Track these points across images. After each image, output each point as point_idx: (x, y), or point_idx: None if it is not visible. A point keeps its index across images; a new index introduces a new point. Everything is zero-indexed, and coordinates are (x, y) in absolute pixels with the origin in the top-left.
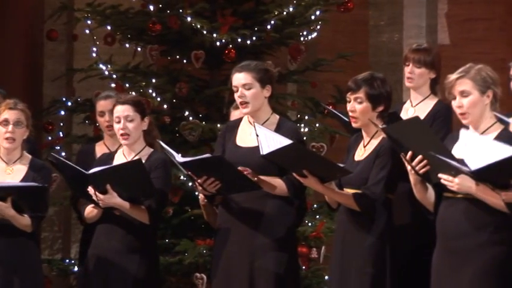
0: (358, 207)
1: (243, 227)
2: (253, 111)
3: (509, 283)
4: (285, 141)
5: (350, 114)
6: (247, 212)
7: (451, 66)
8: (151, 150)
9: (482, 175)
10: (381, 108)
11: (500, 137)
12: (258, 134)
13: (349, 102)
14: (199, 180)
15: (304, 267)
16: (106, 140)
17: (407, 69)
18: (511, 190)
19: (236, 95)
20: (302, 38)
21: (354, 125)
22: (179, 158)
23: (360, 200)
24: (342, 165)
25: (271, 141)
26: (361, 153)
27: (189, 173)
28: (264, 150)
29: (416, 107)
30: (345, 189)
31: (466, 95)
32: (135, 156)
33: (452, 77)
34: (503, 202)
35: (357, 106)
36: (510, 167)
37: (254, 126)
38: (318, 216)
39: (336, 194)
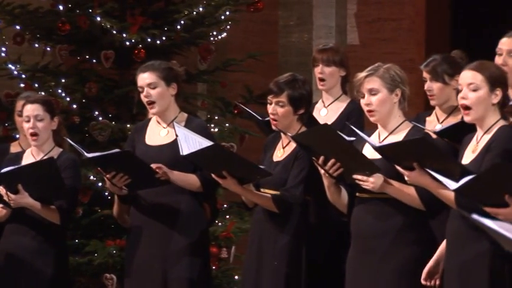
0: (276, 209)
1: (156, 227)
2: (161, 110)
3: (421, 283)
4: (204, 142)
5: (271, 116)
6: (160, 211)
7: (361, 66)
8: (61, 150)
9: (387, 152)
10: (301, 111)
11: (409, 136)
12: (177, 134)
13: (270, 104)
14: (108, 176)
15: (214, 268)
16: (21, 140)
17: (317, 70)
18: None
19: (142, 96)
20: (212, 38)
21: (274, 127)
22: (87, 154)
23: (279, 202)
24: (262, 166)
25: (190, 141)
26: (279, 154)
27: (98, 168)
28: (184, 150)
29: (329, 107)
30: (262, 189)
31: (375, 93)
32: (44, 156)
33: (361, 75)
34: (418, 200)
35: (278, 109)
36: (415, 149)
37: (174, 127)
38: (228, 216)
39: (254, 196)
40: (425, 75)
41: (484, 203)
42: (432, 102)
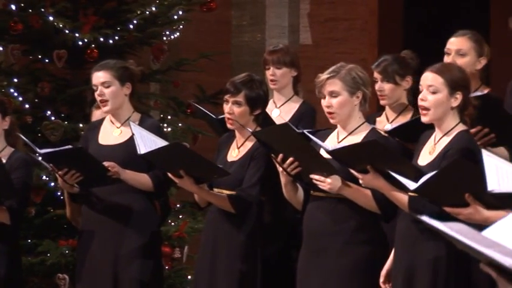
0: (233, 209)
1: (108, 227)
2: (113, 109)
3: (373, 282)
4: (160, 142)
5: (227, 116)
6: (112, 210)
7: (313, 66)
8: (13, 149)
9: (340, 155)
10: (257, 112)
11: (367, 138)
12: (133, 133)
13: (227, 104)
14: (59, 172)
15: (167, 267)
16: None
17: (268, 72)
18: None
19: (96, 94)
20: (165, 38)
21: (229, 126)
22: (40, 150)
23: (236, 202)
24: (221, 166)
25: (146, 140)
26: (234, 154)
27: (50, 165)
28: (141, 149)
29: (281, 107)
30: (215, 189)
31: (336, 95)
32: None
33: (323, 76)
34: (373, 200)
35: (235, 109)
36: (367, 152)
37: (130, 126)
38: (180, 216)
39: (210, 195)
40: (376, 75)
41: (443, 203)
42: (382, 102)
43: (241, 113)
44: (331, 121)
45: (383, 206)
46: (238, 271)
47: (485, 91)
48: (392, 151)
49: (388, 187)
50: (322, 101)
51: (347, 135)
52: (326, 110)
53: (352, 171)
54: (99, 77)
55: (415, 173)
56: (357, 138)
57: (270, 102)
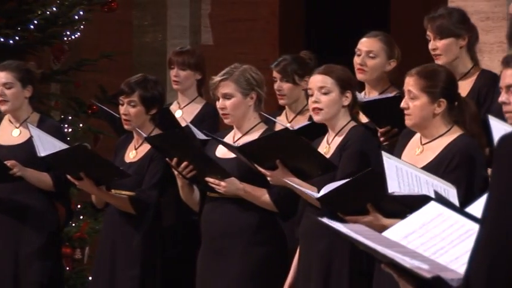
0: (133, 211)
1: (7, 227)
2: (12, 109)
3: (272, 283)
4: (58, 144)
5: (123, 117)
6: (11, 210)
7: (215, 67)
8: None
9: (249, 151)
10: (154, 111)
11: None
12: (32, 135)
13: (122, 105)
14: None
15: (68, 268)
16: None
17: (172, 73)
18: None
19: None
20: (66, 38)
21: (126, 127)
22: None
23: (136, 203)
24: (121, 168)
25: (45, 142)
26: (132, 155)
27: None
28: (41, 151)
29: (184, 109)
30: (113, 191)
31: (229, 97)
32: None
33: (216, 78)
34: (270, 200)
35: (130, 109)
36: (277, 143)
37: (27, 128)
38: (81, 217)
39: (110, 197)
40: (275, 74)
41: (345, 212)
42: (281, 102)
43: (136, 113)
44: (225, 121)
45: (280, 204)
46: (137, 273)
47: (394, 93)
48: (302, 139)
49: (298, 181)
50: (217, 102)
51: (242, 135)
52: (220, 111)
53: (260, 169)
54: (0, 77)
55: (325, 163)
56: (253, 137)
57: (174, 103)
